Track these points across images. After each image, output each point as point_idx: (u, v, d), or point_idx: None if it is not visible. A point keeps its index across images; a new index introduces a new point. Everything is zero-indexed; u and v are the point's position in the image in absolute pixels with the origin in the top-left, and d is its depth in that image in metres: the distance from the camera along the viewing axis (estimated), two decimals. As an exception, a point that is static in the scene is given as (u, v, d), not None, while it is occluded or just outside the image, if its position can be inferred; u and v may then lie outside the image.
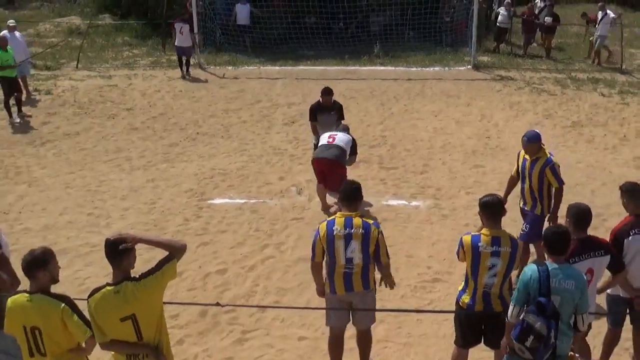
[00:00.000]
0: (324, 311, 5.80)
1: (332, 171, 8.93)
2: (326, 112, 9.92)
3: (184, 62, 17.06)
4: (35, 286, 4.46)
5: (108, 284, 4.38)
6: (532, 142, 6.92)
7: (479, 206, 5.35)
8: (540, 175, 6.92)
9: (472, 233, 5.33)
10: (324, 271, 5.56)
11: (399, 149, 11.87)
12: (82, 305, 4.45)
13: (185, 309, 6.83)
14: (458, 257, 5.37)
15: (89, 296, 4.39)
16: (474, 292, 5.27)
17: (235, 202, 9.64)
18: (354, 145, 9.38)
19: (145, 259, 7.45)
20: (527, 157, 7.03)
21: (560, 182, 6.96)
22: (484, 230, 5.23)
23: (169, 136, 12.67)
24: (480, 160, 11.27)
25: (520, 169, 7.17)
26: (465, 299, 5.32)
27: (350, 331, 5.96)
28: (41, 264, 4.46)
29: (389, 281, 5.61)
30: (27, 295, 4.43)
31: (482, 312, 5.23)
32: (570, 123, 13.32)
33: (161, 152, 11.78)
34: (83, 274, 7.63)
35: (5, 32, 14.37)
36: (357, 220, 5.35)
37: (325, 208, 9.24)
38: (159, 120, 13.61)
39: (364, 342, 5.79)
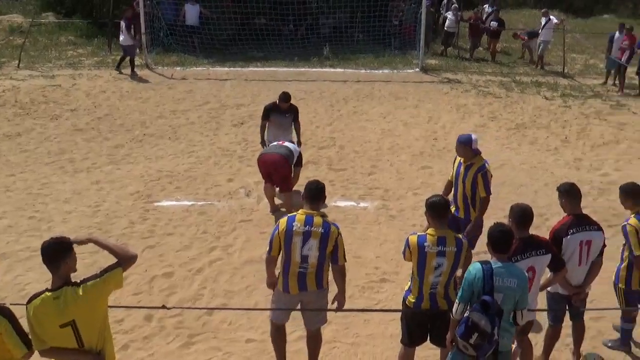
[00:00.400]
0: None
1: (279, 170, 8.99)
2: (281, 114, 9.93)
3: (129, 61, 16.92)
4: None
5: (47, 290, 4.26)
6: (463, 144, 6.85)
7: (426, 207, 5.41)
8: (473, 181, 6.82)
9: (419, 233, 5.39)
10: (279, 268, 5.56)
11: (348, 150, 11.94)
12: (22, 311, 4.32)
13: (130, 314, 6.71)
14: (404, 257, 5.42)
15: (28, 302, 4.27)
16: (420, 291, 5.32)
17: (182, 205, 9.52)
18: (300, 156, 9.49)
19: (87, 263, 7.33)
20: (462, 162, 6.96)
21: (488, 192, 6.85)
22: (430, 231, 5.28)
23: (115, 137, 12.44)
24: (427, 162, 11.43)
25: (454, 174, 7.07)
26: (412, 298, 5.38)
27: (299, 332, 5.96)
28: None
29: (341, 300, 5.65)
30: None
31: (428, 311, 5.30)
32: (515, 125, 13.64)
33: (106, 154, 11.55)
34: (24, 279, 7.39)
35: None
36: (317, 219, 5.37)
37: (274, 209, 9.23)
38: (104, 121, 13.35)
39: (314, 342, 5.80)
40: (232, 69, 18.07)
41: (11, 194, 9.77)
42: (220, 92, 15.69)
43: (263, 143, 10.02)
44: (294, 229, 5.34)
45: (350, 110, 14.49)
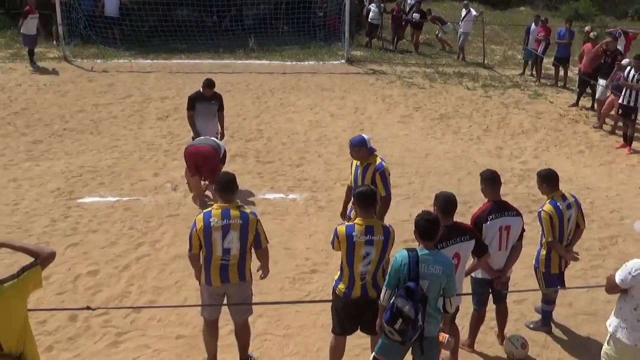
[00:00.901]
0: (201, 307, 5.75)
1: (208, 163, 8.90)
2: (206, 101, 9.77)
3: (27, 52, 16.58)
4: None
5: None
6: (357, 147, 6.71)
7: (353, 197, 5.50)
8: (372, 182, 6.55)
9: (346, 223, 5.45)
10: (201, 261, 5.55)
11: (275, 142, 11.94)
12: None
13: (54, 314, 6.49)
14: (333, 246, 5.45)
15: None
16: (350, 281, 5.37)
17: (106, 201, 9.29)
18: (224, 153, 9.35)
19: (7, 263, 7.06)
20: (359, 164, 6.78)
21: (388, 191, 6.70)
22: (358, 220, 5.33)
23: (33, 133, 11.98)
24: (354, 152, 11.54)
25: (353, 178, 6.85)
26: (342, 287, 5.42)
27: (230, 326, 5.93)
28: None
29: (265, 271, 5.75)
30: None
31: (359, 300, 5.35)
32: (439, 115, 13.99)
33: (24, 150, 11.11)
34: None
35: None
36: (234, 212, 5.38)
37: (202, 203, 9.10)
38: (20, 116, 12.84)
39: (243, 334, 5.81)
40: (155, 61, 17.71)
41: None
42: (143, 85, 15.36)
43: (197, 134, 9.76)
44: (212, 224, 5.33)
45: (277, 102, 14.48)
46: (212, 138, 9.34)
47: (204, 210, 5.50)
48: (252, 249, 5.56)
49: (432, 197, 6.07)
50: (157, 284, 7.27)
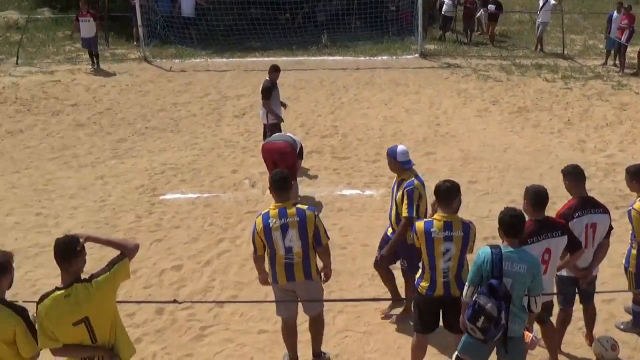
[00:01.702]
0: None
1: (285, 159, 8.80)
2: (276, 87, 10.23)
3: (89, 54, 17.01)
4: None
5: (57, 288, 4.22)
6: (388, 156, 6.33)
7: (434, 192, 5.38)
8: (401, 200, 6.12)
9: (425, 219, 5.39)
10: (267, 261, 5.56)
11: (351, 138, 11.92)
12: (34, 308, 4.31)
13: (141, 307, 6.71)
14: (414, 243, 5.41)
15: (39, 302, 4.23)
16: (432, 279, 5.30)
17: (187, 197, 9.52)
18: (301, 148, 9.36)
19: (96, 258, 7.32)
20: (396, 178, 6.35)
21: (410, 213, 5.95)
22: (437, 216, 5.26)
23: (117, 131, 12.42)
24: (431, 148, 11.41)
25: (391, 191, 6.47)
26: (424, 285, 5.35)
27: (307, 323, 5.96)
28: (2, 269, 4.29)
29: (327, 272, 5.65)
30: None
31: (441, 297, 5.29)
32: (517, 108, 13.62)
33: (109, 148, 11.54)
34: (33, 275, 7.41)
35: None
36: (291, 210, 5.35)
37: None
38: (105, 116, 13.33)
39: (316, 327, 5.80)
40: (230, 59, 18.02)
41: (17, 191, 9.77)
42: (220, 83, 15.65)
43: (280, 118, 10.21)
44: (270, 225, 5.32)
45: (351, 98, 14.46)
46: (288, 134, 9.39)
47: (262, 212, 5.48)
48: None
49: (512, 193, 5.96)
50: (239, 279, 7.40)
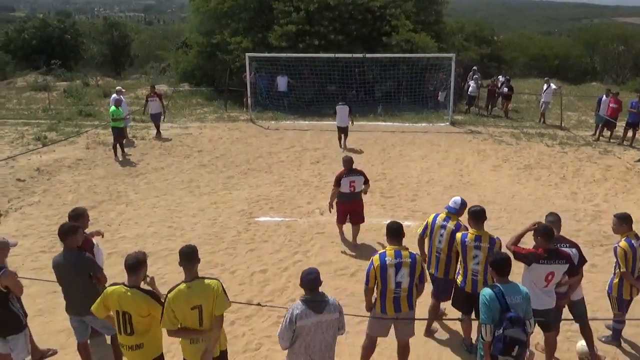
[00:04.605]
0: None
1: (357, 209, 8.52)
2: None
3: (156, 126, 15.85)
4: (134, 281, 4.41)
5: (183, 282, 4.32)
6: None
7: (468, 214, 5.48)
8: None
9: (462, 232, 5.48)
10: (376, 294, 5.08)
11: (395, 183, 11.79)
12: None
13: (234, 298, 6.74)
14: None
15: (168, 292, 4.32)
16: (464, 275, 5.45)
17: (274, 220, 9.61)
18: (366, 178, 8.51)
19: (206, 260, 7.46)
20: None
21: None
22: (471, 231, 5.41)
23: (227, 171, 12.73)
24: (455, 192, 11.09)
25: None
26: (460, 279, 5.52)
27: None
28: (143, 264, 4.46)
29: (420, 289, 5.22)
30: (126, 287, 4.39)
31: (470, 293, 5.38)
32: (523, 166, 13.16)
33: (221, 182, 11.82)
34: (163, 271, 7.62)
35: (115, 95, 14.61)
36: (405, 252, 4.96)
37: (342, 236, 8.69)
38: (220, 159, 13.70)
39: (404, 351, 5.34)
40: (311, 122, 18.24)
41: (156, 210, 10.13)
42: (302, 139, 15.84)
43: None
44: (387, 262, 4.89)
45: (397, 153, 14.35)
46: (356, 180, 8.34)
47: (380, 252, 5.03)
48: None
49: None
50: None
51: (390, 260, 4.91)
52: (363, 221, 8.65)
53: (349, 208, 8.48)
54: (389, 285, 4.93)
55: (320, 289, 7.04)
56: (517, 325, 4.20)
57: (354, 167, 8.54)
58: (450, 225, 5.74)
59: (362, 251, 8.29)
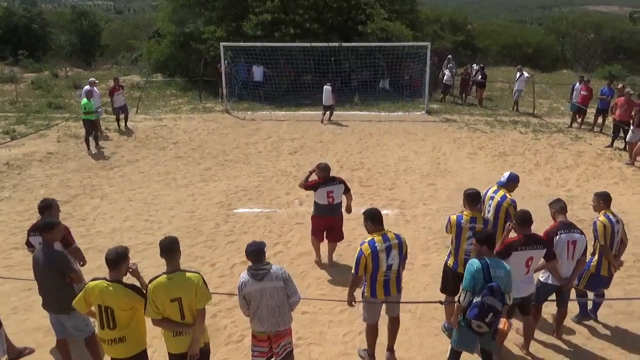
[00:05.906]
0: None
1: (336, 225, 7.48)
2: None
3: (123, 118, 15.28)
4: (115, 276, 4.34)
5: (164, 273, 4.30)
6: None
7: (464, 196, 5.59)
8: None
9: (457, 214, 5.55)
10: (365, 279, 5.08)
11: (373, 172, 11.85)
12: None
13: (216, 290, 6.71)
14: (446, 230, 5.62)
15: (149, 282, 4.31)
16: (456, 257, 5.53)
17: (253, 211, 9.56)
18: (347, 186, 7.36)
19: (185, 253, 7.38)
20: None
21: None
22: (466, 212, 5.48)
23: (204, 162, 12.60)
24: (432, 180, 11.26)
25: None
26: (451, 261, 5.59)
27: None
28: (124, 258, 4.39)
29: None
30: (107, 282, 4.32)
31: (461, 273, 5.16)
32: (498, 153, 13.37)
33: (198, 174, 11.70)
34: (141, 265, 7.39)
35: (87, 86, 14.22)
36: (390, 234, 5.01)
37: (319, 260, 7.65)
38: (197, 151, 13.55)
39: (393, 325, 5.42)
40: (287, 112, 18.16)
41: (132, 203, 9.97)
42: (279, 129, 15.76)
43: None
44: (378, 248, 4.90)
45: (374, 142, 14.41)
46: (334, 190, 7.24)
47: (367, 239, 4.98)
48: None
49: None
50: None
51: (380, 245, 4.93)
52: (342, 239, 7.57)
53: (326, 223, 7.35)
54: (381, 268, 4.96)
55: (303, 278, 7.06)
56: (496, 295, 4.44)
57: (331, 174, 7.26)
58: (497, 197, 5.96)
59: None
